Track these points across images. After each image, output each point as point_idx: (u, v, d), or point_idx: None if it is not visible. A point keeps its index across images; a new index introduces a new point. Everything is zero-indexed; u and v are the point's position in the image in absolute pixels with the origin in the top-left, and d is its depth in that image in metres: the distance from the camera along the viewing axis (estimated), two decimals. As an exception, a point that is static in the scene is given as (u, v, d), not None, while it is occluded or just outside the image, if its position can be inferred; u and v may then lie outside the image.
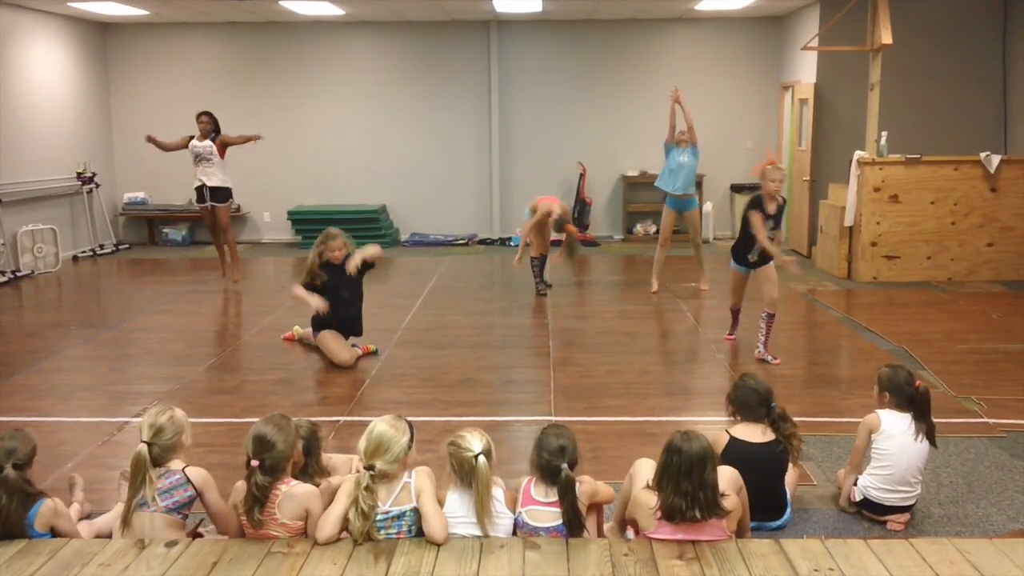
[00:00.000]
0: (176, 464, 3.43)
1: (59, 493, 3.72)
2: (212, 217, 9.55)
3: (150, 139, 9.25)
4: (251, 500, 3.20)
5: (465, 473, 3.24)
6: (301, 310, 8.41)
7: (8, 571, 3.05)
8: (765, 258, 6.49)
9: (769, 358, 6.52)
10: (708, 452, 3.21)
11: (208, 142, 9.28)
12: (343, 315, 6.67)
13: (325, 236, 6.63)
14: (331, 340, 6.60)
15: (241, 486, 3.27)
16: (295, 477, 3.39)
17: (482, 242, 12.78)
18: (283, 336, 7.32)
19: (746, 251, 6.55)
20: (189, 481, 3.39)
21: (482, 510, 3.21)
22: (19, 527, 3.26)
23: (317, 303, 6.50)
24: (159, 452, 3.38)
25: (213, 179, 9.36)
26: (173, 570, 3.04)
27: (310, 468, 3.64)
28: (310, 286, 6.57)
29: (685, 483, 3.15)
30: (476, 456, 3.21)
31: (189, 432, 3.54)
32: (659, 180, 8.83)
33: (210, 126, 9.29)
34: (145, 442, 3.35)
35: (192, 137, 9.38)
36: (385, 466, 3.19)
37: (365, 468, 3.17)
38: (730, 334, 7.17)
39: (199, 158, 9.33)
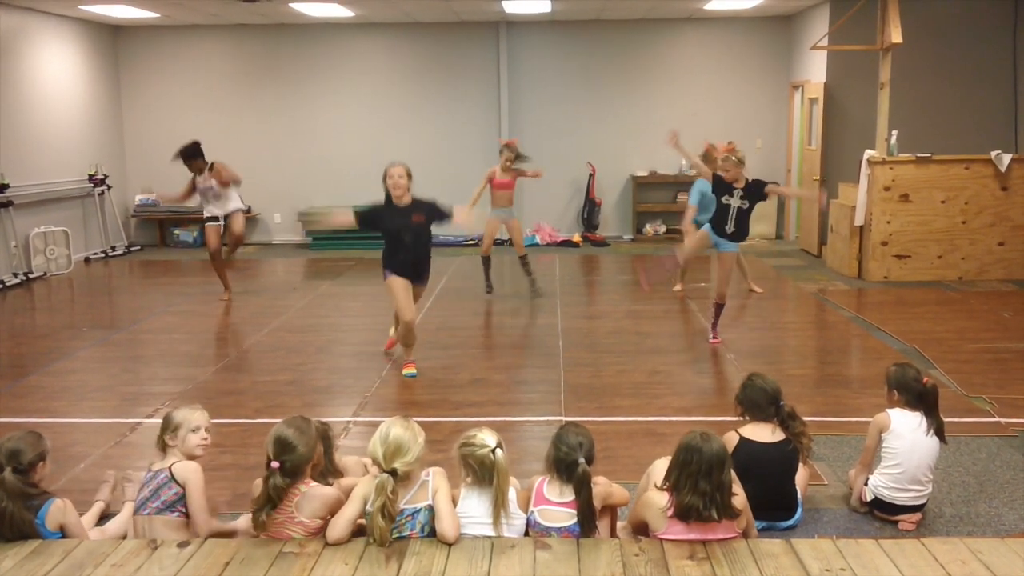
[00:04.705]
0: (166, 462, 3.50)
1: (72, 494, 3.74)
2: (220, 234, 8.80)
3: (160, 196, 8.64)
4: (263, 501, 3.23)
5: (484, 470, 3.25)
6: (311, 310, 8.45)
7: (22, 571, 3.08)
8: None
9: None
10: (726, 453, 3.22)
11: (207, 176, 8.57)
12: (403, 258, 6.18)
13: (387, 167, 6.14)
14: (398, 289, 6.17)
15: (259, 484, 3.29)
16: (312, 478, 3.41)
17: (500, 243, 12.76)
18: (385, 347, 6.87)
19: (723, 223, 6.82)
20: (174, 478, 3.45)
21: (502, 503, 3.22)
22: (29, 528, 3.28)
23: (341, 219, 6.25)
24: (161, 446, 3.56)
25: (231, 206, 8.78)
26: (185, 570, 3.06)
27: (324, 468, 3.66)
28: (367, 219, 6.23)
29: (704, 483, 3.15)
30: (493, 450, 3.24)
31: (177, 432, 3.57)
32: None
33: (203, 161, 8.56)
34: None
35: (194, 177, 8.65)
36: (406, 467, 3.20)
37: (388, 472, 3.17)
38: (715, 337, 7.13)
39: (208, 193, 8.65)
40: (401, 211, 6.08)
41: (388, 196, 6.14)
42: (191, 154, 8.56)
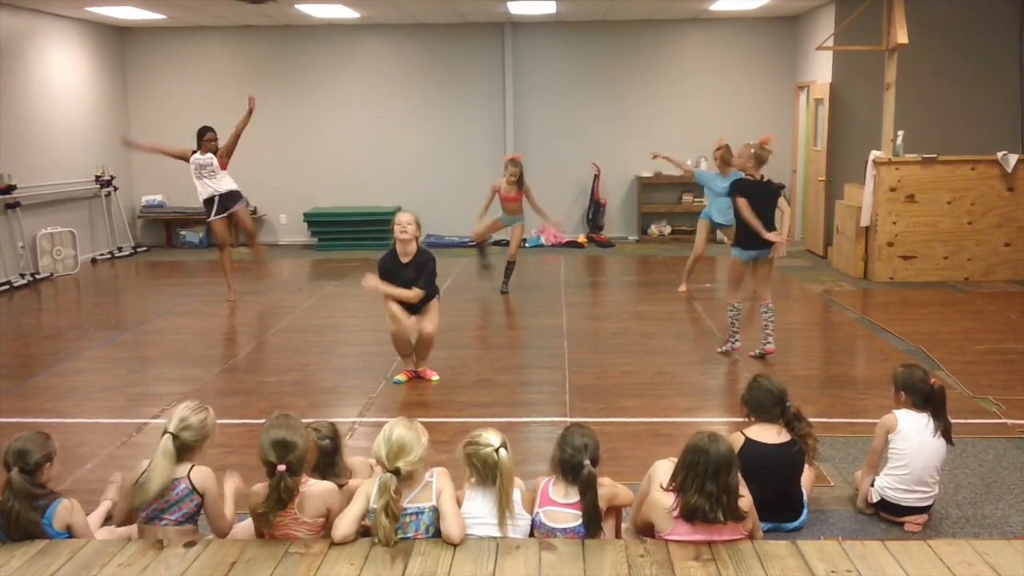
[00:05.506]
0: (183, 469, 3.40)
1: (79, 494, 3.75)
2: (227, 226, 8.96)
3: (128, 142, 9.08)
4: (274, 503, 3.20)
5: (488, 469, 3.25)
6: (317, 310, 8.47)
7: (28, 571, 3.09)
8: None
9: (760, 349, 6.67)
10: (733, 455, 3.21)
11: (210, 155, 8.70)
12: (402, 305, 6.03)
13: (397, 213, 6.14)
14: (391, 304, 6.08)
15: (259, 489, 3.29)
16: (317, 476, 3.41)
17: (497, 243, 12.76)
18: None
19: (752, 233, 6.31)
20: (195, 489, 3.37)
21: (506, 503, 3.22)
22: (36, 528, 3.29)
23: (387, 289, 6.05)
24: (179, 448, 3.38)
25: (224, 184, 8.76)
26: (192, 570, 3.07)
27: (336, 468, 3.67)
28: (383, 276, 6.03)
29: (710, 485, 3.14)
30: (497, 450, 3.24)
31: (210, 439, 3.53)
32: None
33: (216, 142, 8.77)
34: (170, 433, 3.36)
35: (195, 151, 8.75)
36: (410, 467, 3.20)
37: (391, 472, 3.17)
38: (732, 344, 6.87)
39: (203, 170, 8.72)
40: (402, 266, 5.99)
41: (394, 247, 6.01)
42: (211, 128, 8.89)
